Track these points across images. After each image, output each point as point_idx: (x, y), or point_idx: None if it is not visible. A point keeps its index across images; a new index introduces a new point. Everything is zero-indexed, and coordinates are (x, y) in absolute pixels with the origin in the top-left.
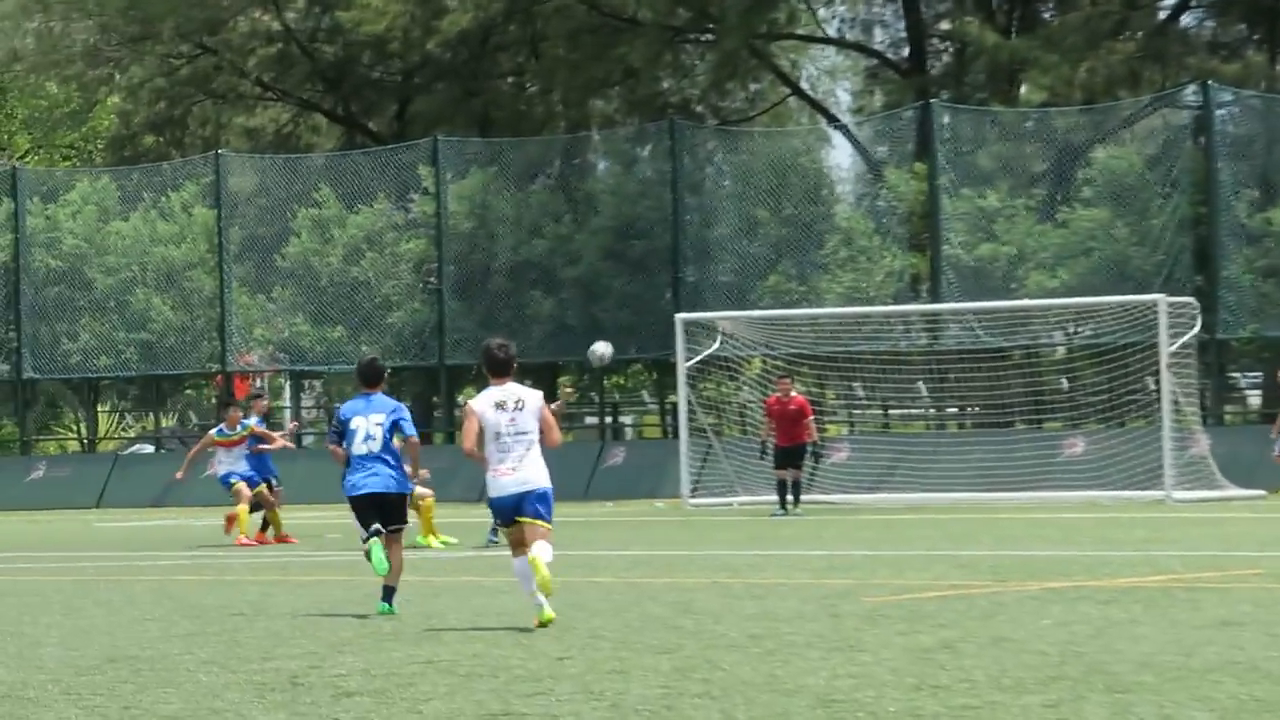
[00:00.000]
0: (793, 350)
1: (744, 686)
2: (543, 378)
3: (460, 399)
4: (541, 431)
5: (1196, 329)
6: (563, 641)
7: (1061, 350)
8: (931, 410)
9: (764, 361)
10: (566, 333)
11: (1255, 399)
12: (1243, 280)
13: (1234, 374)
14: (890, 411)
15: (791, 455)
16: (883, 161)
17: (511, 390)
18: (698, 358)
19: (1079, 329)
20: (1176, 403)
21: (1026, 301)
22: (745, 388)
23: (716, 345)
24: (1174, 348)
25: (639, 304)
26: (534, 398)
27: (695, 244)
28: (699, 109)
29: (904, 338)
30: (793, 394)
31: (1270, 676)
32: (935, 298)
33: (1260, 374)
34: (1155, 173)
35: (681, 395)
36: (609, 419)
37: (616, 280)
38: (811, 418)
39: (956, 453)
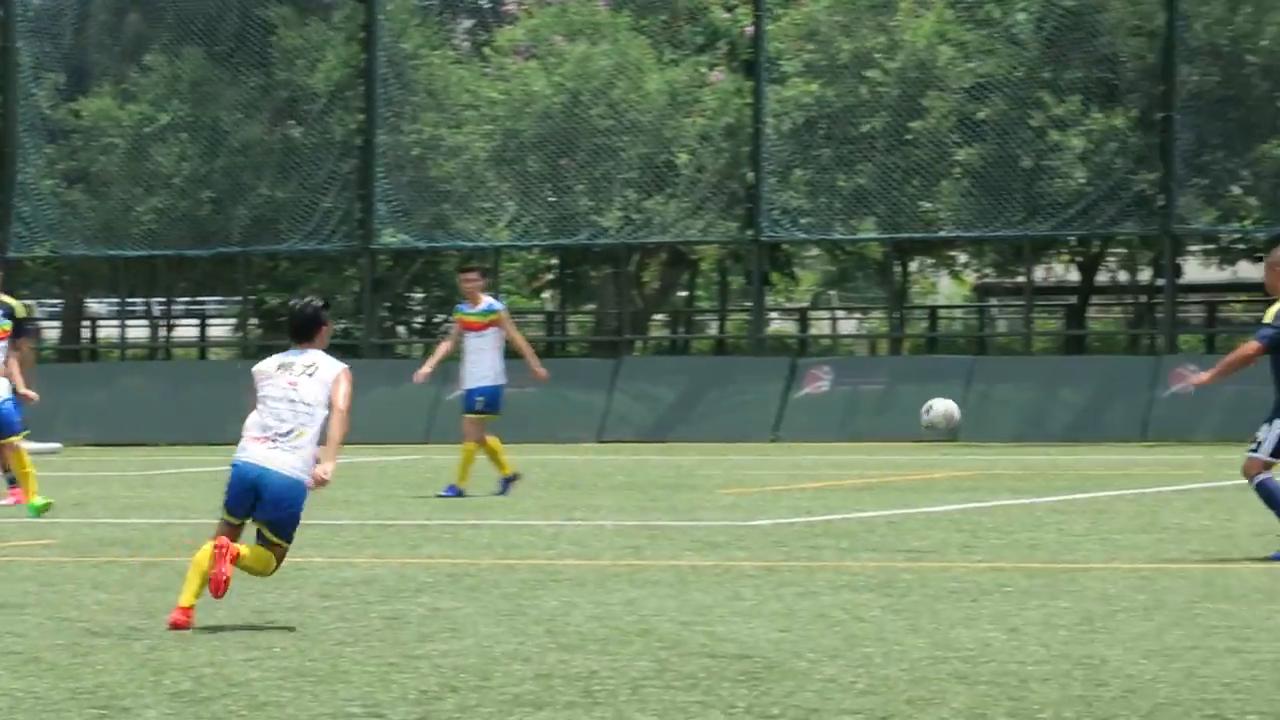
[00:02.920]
0: None
1: None
2: None
3: None
4: None
5: None
6: None
7: None
8: None
9: None
10: None
11: (53, 332)
12: (42, 186)
13: (30, 300)
14: None
15: None
16: None
17: None
18: None
19: None
20: None
21: None
22: None
23: None
24: None
25: None
26: None
27: None
28: None
29: None
30: None
31: (51, 668)
32: None
33: (62, 301)
34: None
35: None
36: None
37: None
38: None
39: None
